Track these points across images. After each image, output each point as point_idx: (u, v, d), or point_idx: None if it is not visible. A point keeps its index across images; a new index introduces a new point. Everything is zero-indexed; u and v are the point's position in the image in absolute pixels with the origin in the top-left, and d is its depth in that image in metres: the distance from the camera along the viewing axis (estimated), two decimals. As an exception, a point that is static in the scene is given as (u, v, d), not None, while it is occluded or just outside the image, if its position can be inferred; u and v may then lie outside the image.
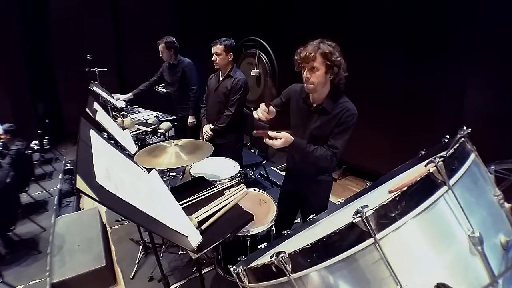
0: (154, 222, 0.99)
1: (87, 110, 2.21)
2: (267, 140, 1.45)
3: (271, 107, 1.57)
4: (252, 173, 3.72)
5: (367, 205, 0.75)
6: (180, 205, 1.34)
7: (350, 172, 3.91)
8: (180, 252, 2.39)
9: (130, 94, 3.65)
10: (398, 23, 2.90)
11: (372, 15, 3.13)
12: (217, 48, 2.40)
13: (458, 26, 2.51)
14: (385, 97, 3.15)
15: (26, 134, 3.50)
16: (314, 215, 1.43)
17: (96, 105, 2.32)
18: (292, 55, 1.52)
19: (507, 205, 0.88)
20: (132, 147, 2.13)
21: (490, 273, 0.74)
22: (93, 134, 1.13)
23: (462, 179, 0.81)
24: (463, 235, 0.76)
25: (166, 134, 3.07)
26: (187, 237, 1.10)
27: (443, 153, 0.87)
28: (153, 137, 2.95)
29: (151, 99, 3.86)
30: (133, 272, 2.23)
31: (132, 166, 1.37)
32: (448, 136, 1.08)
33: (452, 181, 0.78)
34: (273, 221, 1.75)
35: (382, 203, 0.74)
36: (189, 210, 1.37)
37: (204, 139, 2.62)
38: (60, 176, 3.70)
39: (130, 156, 1.61)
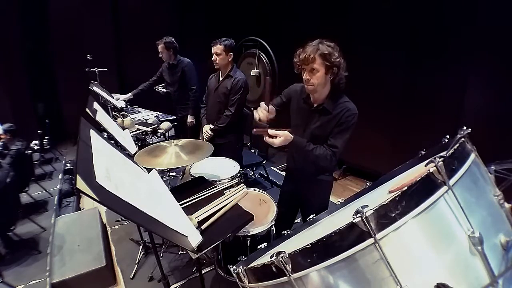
0: (154, 222, 0.99)
1: (87, 110, 2.21)
2: (266, 138, 1.45)
3: (271, 106, 1.57)
4: (252, 173, 3.72)
5: (367, 205, 0.75)
6: (180, 205, 1.34)
7: (350, 172, 3.91)
8: (180, 252, 2.39)
9: (130, 94, 3.66)
10: (398, 23, 2.89)
11: (372, 15, 3.13)
12: (217, 48, 2.40)
13: (458, 26, 2.51)
14: (385, 97, 3.15)
15: (26, 134, 3.50)
16: (314, 215, 1.43)
17: (96, 105, 2.32)
18: (292, 55, 1.52)
19: (507, 205, 0.88)
20: (132, 147, 2.13)
21: (490, 273, 0.74)
22: (93, 134, 1.13)
23: (462, 179, 0.81)
24: (463, 235, 0.76)
25: (166, 134, 3.07)
26: (187, 237, 1.10)
27: (443, 153, 0.87)
28: (153, 137, 2.95)
29: (151, 99, 3.86)
30: (133, 272, 2.23)
31: (132, 166, 1.37)
32: (448, 136, 1.08)
33: (452, 181, 0.78)
34: (273, 221, 1.75)
35: (382, 203, 0.74)
36: (189, 210, 1.37)
37: (204, 139, 2.62)
38: (60, 176, 3.70)
39: (130, 156, 1.61)
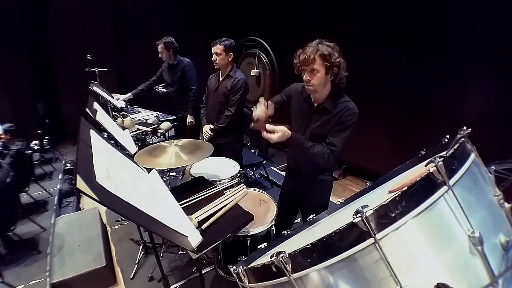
0: (154, 222, 0.99)
1: (87, 110, 2.21)
2: (264, 134, 1.44)
3: (270, 102, 1.57)
4: (252, 173, 3.72)
5: (367, 205, 0.75)
6: (180, 205, 1.34)
7: (350, 172, 3.91)
8: (180, 252, 2.39)
9: (130, 94, 3.66)
10: (398, 23, 2.89)
11: (372, 15, 3.13)
12: (217, 48, 2.40)
13: (458, 26, 2.51)
14: (385, 97, 3.15)
15: (26, 134, 3.50)
16: (314, 215, 1.42)
17: (96, 105, 2.32)
18: (292, 54, 1.52)
19: (507, 205, 0.88)
20: (132, 147, 2.13)
21: (490, 273, 0.74)
22: (93, 134, 1.13)
23: (462, 179, 0.81)
24: (463, 235, 0.76)
25: (166, 134, 3.07)
26: (187, 237, 1.10)
27: (443, 153, 0.87)
28: (153, 137, 2.95)
29: (151, 99, 3.87)
30: (133, 272, 2.23)
31: (132, 166, 1.37)
32: (448, 136, 1.08)
33: (452, 181, 0.78)
34: (273, 221, 1.75)
35: (382, 203, 0.74)
36: (189, 210, 1.37)
37: (204, 139, 2.62)
38: (60, 176, 3.70)
39: (130, 156, 1.60)
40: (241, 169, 2.19)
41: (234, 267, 1.10)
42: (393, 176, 1.31)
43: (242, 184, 1.72)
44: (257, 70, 4.49)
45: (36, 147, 3.73)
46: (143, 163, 1.62)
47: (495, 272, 0.74)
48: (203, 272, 2.03)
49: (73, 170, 3.79)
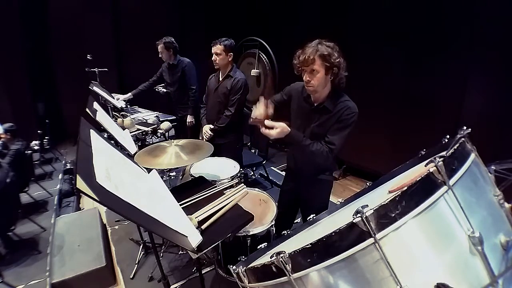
0: (154, 222, 0.99)
1: (87, 110, 2.21)
2: (263, 130, 1.44)
3: (269, 101, 1.57)
4: (252, 173, 3.72)
5: (367, 205, 0.75)
6: (180, 205, 1.34)
7: (350, 172, 3.91)
8: (180, 252, 2.39)
9: (130, 94, 3.66)
10: (398, 23, 2.89)
11: (372, 14, 3.13)
12: (217, 48, 2.40)
13: (458, 26, 2.51)
14: (385, 97, 3.15)
15: (26, 134, 3.50)
16: (314, 215, 1.42)
17: (96, 105, 2.32)
18: (292, 54, 1.52)
19: (507, 205, 0.88)
20: (132, 147, 2.13)
21: (490, 273, 0.74)
22: (93, 134, 1.13)
23: (462, 179, 0.81)
24: (463, 235, 0.76)
25: (166, 134, 3.07)
26: (187, 237, 1.10)
27: (443, 153, 0.87)
28: (153, 137, 2.95)
29: (151, 99, 3.87)
30: (133, 272, 2.23)
31: (132, 166, 1.37)
32: (448, 136, 1.08)
33: (452, 181, 0.78)
34: (273, 221, 1.75)
35: (382, 203, 0.74)
36: (189, 210, 1.37)
37: (204, 139, 2.62)
38: (60, 176, 3.70)
39: (130, 156, 1.60)
40: (241, 169, 2.19)
41: (234, 267, 1.10)
42: (393, 176, 1.31)
43: (242, 184, 1.72)
44: (257, 70, 4.49)
45: (36, 147, 3.73)
46: (143, 163, 1.62)
47: (495, 272, 0.74)
48: (203, 272, 2.03)
49: (73, 170, 3.79)
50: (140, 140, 2.85)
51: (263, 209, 1.86)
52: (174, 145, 1.89)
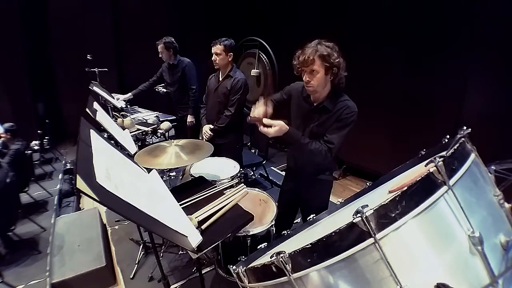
0: (154, 222, 0.99)
1: (87, 110, 2.21)
2: (261, 128, 1.43)
3: (269, 100, 1.57)
4: (252, 173, 3.72)
5: (367, 205, 0.75)
6: (180, 205, 1.34)
7: (350, 172, 3.91)
8: (180, 252, 2.39)
9: (130, 94, 3.66)
10: (398, 23, 2.89)
11: (372, 15, 3.13)
12: (216, 48, 2.40)
13: (458, 26, 2.51)
14: (385, 97, 3.15)
15: (26, 134, 3.50)
16: (314, 215, 1.42)
17: (96, 105, 2.32)
18: (292, 54, 1.52)
19: (507, 205, 0.88)
20: (132, 147, 2.13)
21: (490, 273, 0.74)
22: (93, 134, 1.13)
23: (462, 179, 0.81)
24: (463, 235, 0.76)
25: (166, 134, 3.07)
26: (187, 237, 1.10)
27: (443, 153, 0.87)
28: (153, 137, 2.95)
29: (151, 99, 3.87)
30: (133, 272, 2.23)
31: (132, 166, 1.37)
32: (448, 136, 1.07)
33: (452, 181, 0.78)
34: (273, 221, 1.75)
35: (382, 203, 0.74)
36: (189, 210, 1.37)
37: (204, 139, 2.62)
38: (60, 176, 3.70)
39: (130, 156, 1.60)
40: (241, 169, 2.19)
41: (234, 267, 1.10)
42: (393, 176, 1.31)
43: (242, 184, 1.72)
44: (257, 70, 4.49)
45: (36, 147, 3.73)
46: (143, 163, 1.62)
47: (495, 272, 0.74)
48: (203, 272, 2.03)
49: (73, 170, 3.79)
50: (140, 140, 2.85)
51: (263, 209, 1.86)
52: (174, 145, 1.89)
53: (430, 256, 0.75)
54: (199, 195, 1.53)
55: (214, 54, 2.43)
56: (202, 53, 3.53)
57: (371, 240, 0.73)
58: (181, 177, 2.44)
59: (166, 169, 2.38)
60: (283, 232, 1.37)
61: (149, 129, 2.88)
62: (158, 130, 2.93)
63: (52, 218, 2.73)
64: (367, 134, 3.03)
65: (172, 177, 2.79)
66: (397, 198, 0.74)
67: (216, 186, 1.65)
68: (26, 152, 3.03)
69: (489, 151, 1.13)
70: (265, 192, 1.99)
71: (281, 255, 0.83)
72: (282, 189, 2.03)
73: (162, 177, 1.47)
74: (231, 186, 1.78)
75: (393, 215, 0.73)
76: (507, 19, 2.20)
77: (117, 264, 2.37)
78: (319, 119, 1.57)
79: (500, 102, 2.37)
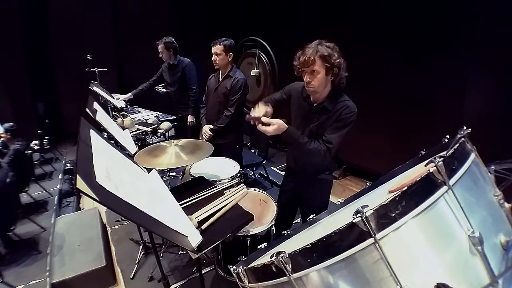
0: (154, 222, 0.99)
1: (87, 110, 2.21)
2: (259, 126, 1.43)
3: (268, 99, 1.57)
4: (252, 173, 3.72)
5: (367, 205, 0.75)
6: (180, 205, 1.34)
7: (350, 172, 3.91)
8: (180, 252, 2.39)
9: (130, 94, 3.66)
10: (398, 23, 2.89)
11: (372, 15, 3.13)
12: (216, 48, 2.40)
13: (458, 26, 2.51)
14: (385, 97, 3.15)
15: (26, 134, 3.50)
16: (314, 215, 1.42)
17: (96, 105, 2.32)
18: (293, 54, 1.52)
19: (507, 205, 0.88)
20: (132, 147, 2.13)
21: (490, 273, 0.74)
22: (93, 134, 1.13)
23: (462, 179, 0.81)
24: (463, 235, 0.76)
25: (166, 134, 3.07)
26: (187, 237, 1.10)
27: (443, 153, 0.87)
28: (153, 137, 2.95)
29: (151, 99, 3.87)
30: (133, 272, 2.23)
31: (132, 166, 1.37)
32: (448, 136, 1.07)
33: (452, 181, 0.78)
34: (273, 221, 1.75)
35: (382, 203, 0.74)
36: (189, 210, 1.37)
37: (204, 139, 2.62)
38: (60, 176, 3.70)
39: (130, 156, 1.60)
40: (241, 169, 2.19)
41: (234, 267, 1.10)
42: (393, 176, 1.31)
43: (242, 184, 1.72)
44: (257, 70, 4.49)
45: (36, 147, 3.73)
46: (143, 163, 1.62)
47: (495, 272, 0.74)
48: (203, 272, 2.03)
49: (73, 170, 3.80)
50: (140, 140, 2.86)
51: (263, 209, 1.86)
52: (174, 145, 1.89)
53: (430, 256, 0.75)
54: (199, 195, 1.53)
55: (214, 54, 2.43)
56: (202, 53, 3.53)
57: (371, 240, 0.73)
58: (181, 177, 2.45)
59: (166, 169, 2.38)
60: (283, 232, 1.37)
61: (149, 129, 2.88)
62: (158, 130, 2.93)
63: (52, 218, 2.73)
64: (367, 134, 3.03)
65: (172, 177, 2.79)
66: (397, 198, 0.74)
67: (216, 186, 1.65)
68: (26, 152, 3.03)
69: (489, 151, 1.13)
70: (265, 192, 1.99)
71: (281, 255, 0.83)
72: (282, 189, 2.02)
73: (162, 177, 1.47)
74: (231, 186, 1.78)
75: (393, 215, 0.73)
76: (507, 19, 2.20)
77: (117, 264, 2.37)
78: (319, 119, 1.57)
79: (500, 102, 2.37)
